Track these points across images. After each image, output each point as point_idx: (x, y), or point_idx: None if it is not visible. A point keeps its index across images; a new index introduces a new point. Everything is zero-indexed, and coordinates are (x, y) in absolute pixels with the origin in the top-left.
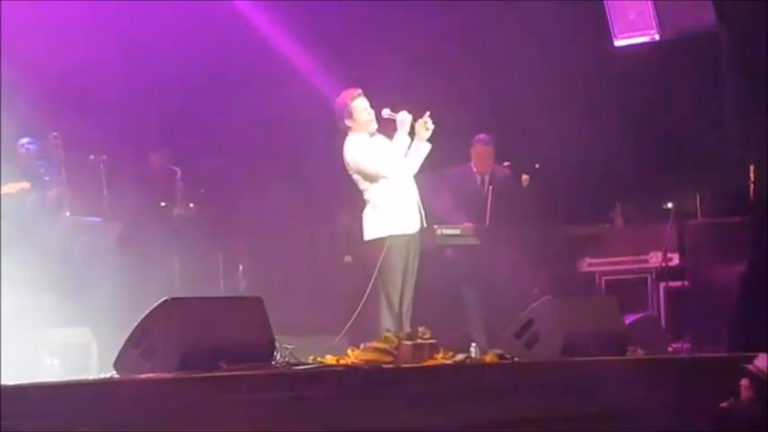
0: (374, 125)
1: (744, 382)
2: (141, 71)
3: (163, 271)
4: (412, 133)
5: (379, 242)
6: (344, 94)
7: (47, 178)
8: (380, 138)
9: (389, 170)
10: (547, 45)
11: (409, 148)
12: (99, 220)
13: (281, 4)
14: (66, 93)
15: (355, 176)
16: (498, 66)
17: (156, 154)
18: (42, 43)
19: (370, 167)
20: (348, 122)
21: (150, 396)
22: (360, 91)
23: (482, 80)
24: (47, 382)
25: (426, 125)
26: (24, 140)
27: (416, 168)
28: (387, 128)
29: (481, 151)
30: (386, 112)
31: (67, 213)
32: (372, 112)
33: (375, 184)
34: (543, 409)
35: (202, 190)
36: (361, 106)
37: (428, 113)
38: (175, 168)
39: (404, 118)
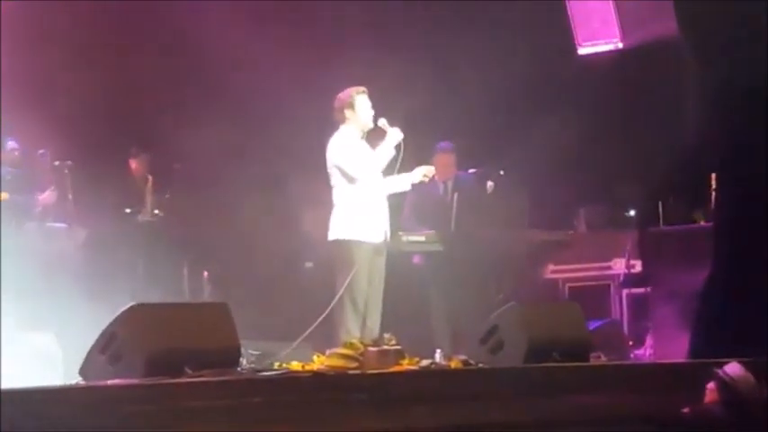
0: (370, 125)
1: (710, 385)
2: (112, 75)
3: (128, 277)
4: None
5: (342, 244)
6: (352, 88)
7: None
8: (366, 144)
9: (366, 175)
10: (512, 52)
11: (396, 171)
12: (64, 225)
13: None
14: (30, 98)
15: (331, 171)
16: (463, 73)
17: (135, 159)
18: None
19: (350, 166)
20: (347, 113)
21: (116, 402)
22: (366, 90)
23: (446, 87)
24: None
25: (426, 174)
26: (10, 145)
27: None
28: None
29: (443, 159)
30: (382, 122)
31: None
32: (372, 112)
33: (348, 186)
34: (507, 416)
35: (168, 196)
36: (364, 102)
37: (433, 171)
38: (148, 176)
39: (396, 133)
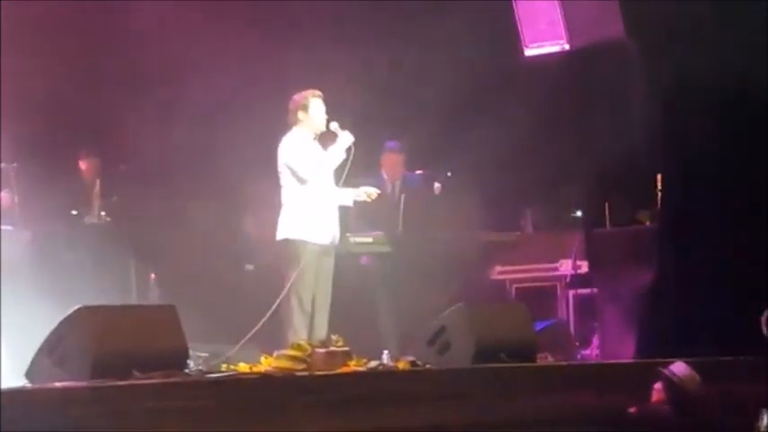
0: (323, 128)
1: (657, 385)
2: (59, 76)
3: (75, 279)
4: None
5: (290, 244)
6: (308, 91)
7: None
8: (318, 145)
9: (316, 177)
10: (459, 53)
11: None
12: (10, 227)
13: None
14: None
15: (281, 171)
16: (410, 74)
17: (84, 161)
18: None
19: (300, 167)
20: (300, 115)
21: (63, 404)
22: (321, 94)
23: (394, 88)
24: None
25: (370, 195)
26: None
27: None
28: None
29: (391, 159)
30: (334, 125)
31: None
32: (325, 116)
33: (297, 186)
34: (455, 416)
35: (114, 198)
36: (318, 106)
37: (377, 192)
38: (96, 179)
39: (347, 137)
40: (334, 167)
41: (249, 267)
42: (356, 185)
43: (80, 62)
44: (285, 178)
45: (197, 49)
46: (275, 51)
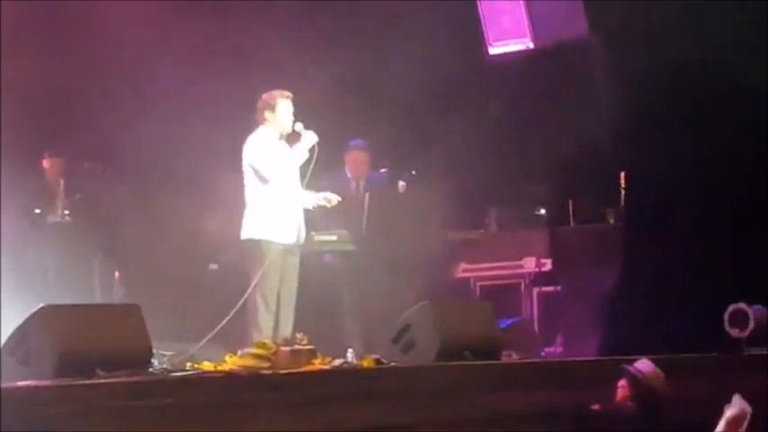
0: (288, 129)
1: (621, 382)
2: (22, 74)
3: (38, 278)
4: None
5: (254, 243)
6: (276, 91)
7: None
8: (285, 144)
9: (279, 177)
10: (423, 52)
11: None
12: None
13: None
14: None
15: (245, 170)
16: (373, 72)
17: (48, 160)
18: None
19: (263, 167)
20: (267, 114)
21: (26, 403)
22: (291, 95)
23: (359, 87)
24: None
25: (329, 201)
26: None
27: None
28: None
29: (356, 157)
30: (298, 126)
31: None
32: (292, 119)
33: (260, 186)
34: (420, 414)
35: (78, 196)
36: (286, 107)
37: (338, 200)
38: (60, 178)
39: (311, 136)
40: (298, 167)
41: (213, 267)
42: (320, 183)
43: (44, 60)
44: (248, 177)
45: (164, 47)
46: (245, 49)
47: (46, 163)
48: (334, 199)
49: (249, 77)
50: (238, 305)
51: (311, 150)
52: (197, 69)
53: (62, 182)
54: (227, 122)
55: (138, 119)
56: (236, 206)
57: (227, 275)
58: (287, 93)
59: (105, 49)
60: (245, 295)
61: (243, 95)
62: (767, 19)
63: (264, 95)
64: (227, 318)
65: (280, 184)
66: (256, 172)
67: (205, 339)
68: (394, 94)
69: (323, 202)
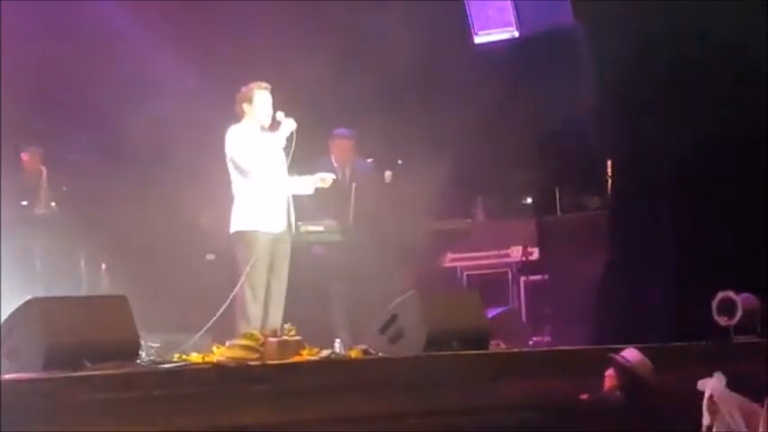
0: (267, 121)
1: (609, 372)
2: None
3: (25, 270)
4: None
5: (242, 235)
6: (254, 83)
7: None
8: (267, 135)
9: (258, 168)
10: (409, 41)
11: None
12: None
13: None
14: None
15: (228, 164)
16: (361, 60)
17: (26, 152)
18: None
19: (242, 160)
20: (245, 107)
21: (14, 396)
22: (269, 86)
23: (345, 74)
24: None
25: (325, 181)
26: None
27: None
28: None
29: (341, 145)
30: (279, 115)
31: None
32: (271, 111)
33: (244, 179)
34: (407, 404)
35: (64, 188)
36: (263, 99)
37: (333, 177)
38: (42, 168)
39: (289, 124)
40: (281, 155)
41: (210, 257)
42: (304, 172)
43: (27, 52)
44: (231, 171)
45: (152, 40)
46: (231, 41)
47: (24, 155)
48: (329, 178)
49: (237, 68)
50: (229, 299)
51: (289, 138)
52: (184, 60)
53: (44, 171)
54: (219, 112)
55: (128, 108)
56: (229, 198)
57: (216, 267)
58: (264, 84)
59: (97, 44)
60: (235, 290)
61: (232, 86)
62: (753, 3)
63: (243, 88)
64: (221, 311)
65: (263, 175)
66: (236, 166)
67: (200, 333)
68: (379, 84)
69: (320, 184)
